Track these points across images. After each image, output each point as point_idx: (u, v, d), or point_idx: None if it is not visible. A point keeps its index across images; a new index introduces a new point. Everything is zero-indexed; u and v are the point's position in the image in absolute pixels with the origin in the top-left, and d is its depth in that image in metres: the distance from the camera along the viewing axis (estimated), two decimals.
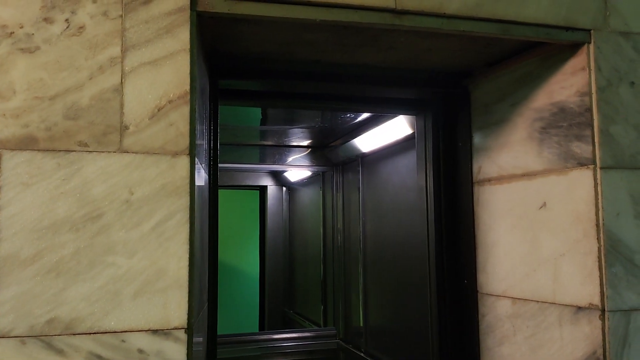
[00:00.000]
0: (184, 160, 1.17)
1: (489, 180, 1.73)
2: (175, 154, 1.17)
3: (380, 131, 2.67)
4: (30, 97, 1.12)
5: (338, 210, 3.66)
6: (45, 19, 1.15)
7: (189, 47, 1.20)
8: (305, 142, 3.65)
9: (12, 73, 1.12)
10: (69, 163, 1.12)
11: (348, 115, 2.74)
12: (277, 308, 4.89)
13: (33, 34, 1.14)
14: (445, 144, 1.89)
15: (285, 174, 4.61)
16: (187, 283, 1.14)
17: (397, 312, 2.73)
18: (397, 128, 2.48)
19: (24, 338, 1.07)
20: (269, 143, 3.74)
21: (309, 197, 4.45)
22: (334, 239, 3.76)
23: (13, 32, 1.13)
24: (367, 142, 2.93)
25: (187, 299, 1.13)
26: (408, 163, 2.52)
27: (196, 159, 1.24)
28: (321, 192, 4.03)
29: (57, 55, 1.14)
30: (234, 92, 1.86)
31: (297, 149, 3.80)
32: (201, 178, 1.40)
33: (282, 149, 3.85)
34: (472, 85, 1.83)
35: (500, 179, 1.68)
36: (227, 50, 1.59)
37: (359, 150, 3.11)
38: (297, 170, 4.18)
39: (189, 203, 1.15)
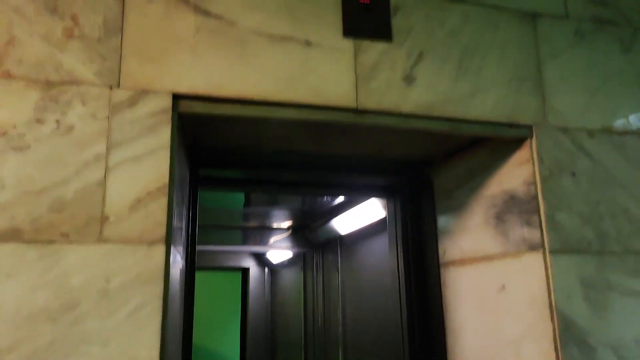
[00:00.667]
0: (160, 249, 1.22)
1: (453, 262, 1.81)
2: (151, 243, 1.22)
3: (356, 213, 2.77)
4: (18, 191, 1.17)
5: (318, 293, 3.67)
6: (38, 120, 1.22)
7: (169, 144, 1.27)
8: (287, 224, 3.73)
9: (3, 170, 1.18)
10: (51, 254, 1.16)
11: (325, 198, 2.86)
12: None
13: (25, 133, 1.20)
14: (413, 228, 1.99)
15: (267, 255, 4.63)
16: None
17: None
18: (371, 210, 2.58)
19: None
20: (252, 225, 3.82)
21: (290, 279, 4.44)
22: (314, 322, 3.72)
23: (6, 132, 1.20)
24: (344, 223, 3.02)
25: None
26: (382, 245, 2.60)
27: (172, 246, 1.30)
28: (302, 273, 4.05)
29: (47, 153, 1.20)
30: (214, 180, 1.96)
31: (278, 230, 3.87)
32: (177, 264, 1.46)
33: (264, 231, 3.92)
34: (434, 173, 1.96)
35: (463, 262, 1.76)
36: (207, 143, 1.71)
37: (337, 231, 3.19)
38: (279, 252, 4.22)
39: (162, 291, 1.19)
